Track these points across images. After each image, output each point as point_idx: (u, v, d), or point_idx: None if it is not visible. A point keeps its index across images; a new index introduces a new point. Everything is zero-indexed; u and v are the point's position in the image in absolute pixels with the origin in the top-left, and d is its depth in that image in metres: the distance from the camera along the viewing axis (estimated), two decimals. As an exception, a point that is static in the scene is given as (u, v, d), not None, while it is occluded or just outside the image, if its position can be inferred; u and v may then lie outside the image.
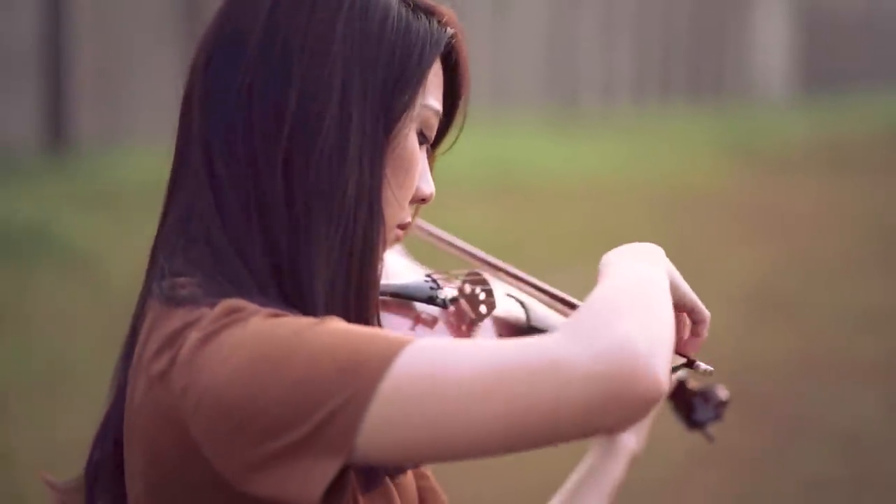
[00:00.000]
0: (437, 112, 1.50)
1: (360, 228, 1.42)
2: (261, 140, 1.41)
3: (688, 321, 1.50)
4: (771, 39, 19.28)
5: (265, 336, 1.30)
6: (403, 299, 1.57)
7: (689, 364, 1.44)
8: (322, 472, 1.27)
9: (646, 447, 1.88)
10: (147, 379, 1.36)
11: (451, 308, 1.61)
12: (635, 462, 1.83)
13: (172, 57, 9.38)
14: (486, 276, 1.64)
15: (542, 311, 1.71)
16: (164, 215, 1.48)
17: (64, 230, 7.13)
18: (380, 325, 1.46)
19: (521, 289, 1.65)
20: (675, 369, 1.39)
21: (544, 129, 12.87)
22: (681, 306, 1.47)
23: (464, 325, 1.60)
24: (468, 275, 1.64)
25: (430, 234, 1.72)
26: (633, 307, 1.29)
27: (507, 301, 1.69)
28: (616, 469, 1.79)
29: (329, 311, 1.40)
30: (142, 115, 9.23)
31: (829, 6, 21.40)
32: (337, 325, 1.31)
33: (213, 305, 1.35)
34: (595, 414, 1.24)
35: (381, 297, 1.53)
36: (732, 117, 15.83)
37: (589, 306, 1.30)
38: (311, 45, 1.41)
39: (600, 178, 11.34)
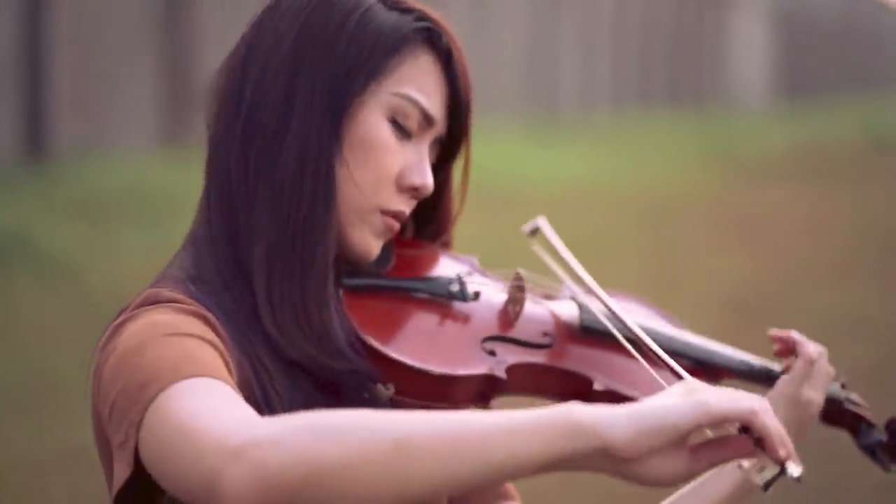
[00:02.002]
0: (413, 102, 1.53)
1: (305, 199, 1.48)
2: (224, 128, 1.51)
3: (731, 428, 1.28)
4: (750, 47, 19.33)
5: (133, 334, 1.38)
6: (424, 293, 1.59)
7: (783, 471, 1.27)
8: (119, 476, 1.34)
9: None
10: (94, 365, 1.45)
11: (485, 304, 1.61)
12: (750, 486, 1.64)
13: (151, 65, 9.36)
14: (522, 276, 1.65)
15: (596, 315, 1.68)
16: None
17: (43, 238, 7.11)
18: (328, 306, 1.48)
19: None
20: (769, 482, 1.26)
21: (524, 137, 12.87)
22: (689, 429, 1.25)
23: (500, 318, 1.61)
24: (514, 280, 1.65)
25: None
26: (306, 440, 1.21)
27: (566, 303, 1.70)
28: (720, 484, 1.65)
29: (272, 279, 1.46)
30: (120, 124, 9.21)
31: (807, 14, 21.46)
32: (177, 342, 1.36)
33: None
34: (201, 494, 1.24)
35: (415, 295, 1.57)
36: (712, 124, 15.86)
37: (300, 416, 1.24)
38: (269, 40, 1.51)
39: (580, 186, 11.35)
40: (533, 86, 14.59)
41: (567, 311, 1.68)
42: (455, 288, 1.59)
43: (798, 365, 1.70)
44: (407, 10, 1.54)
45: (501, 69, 13.81)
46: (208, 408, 1.28)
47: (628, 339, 1.61)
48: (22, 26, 8.53)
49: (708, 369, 1.74)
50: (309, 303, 1.47)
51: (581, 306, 1.68)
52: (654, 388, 1.47)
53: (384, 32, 1.51)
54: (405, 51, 1.53)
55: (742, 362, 1.76)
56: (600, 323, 1.65)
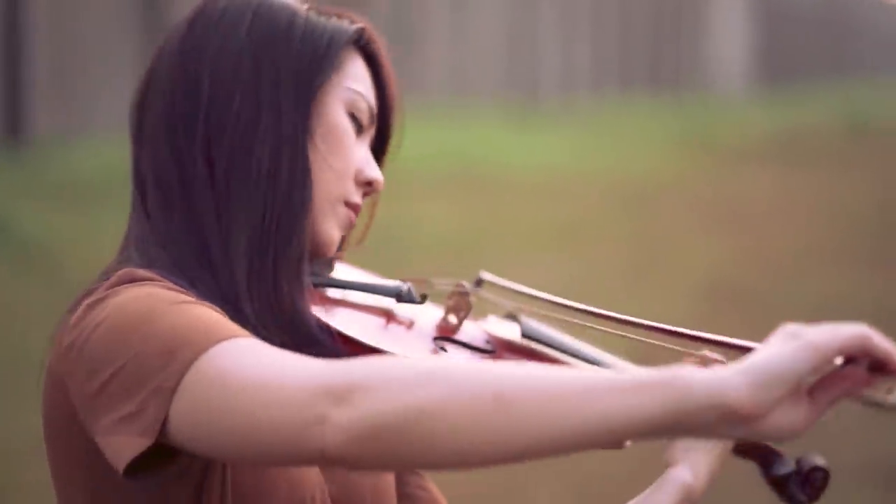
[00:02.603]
0: (363, 98, 1.56)
1: (282, 188, 1.48)
2: (182, 133, 1.49)
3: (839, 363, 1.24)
4: (729, 31, 19.35)
5: (129, 307, 1.35)
6: (371, 294, 1.61)
7: None
8: (130, 448, 1.30)
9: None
10: (51, 349, 1.43)
11: (428, 311, 1.64)
12: (692, 497, 1.66)
13: (130, 50, 9.33)
14: (466, 286, 1.67)
15: (535, 323, 1.70)
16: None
17: (21, 223, 7.08)
18: (303, 295, 1.48)
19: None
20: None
21: (503, 122, 12.87)
22: (808, 373, 1.22)
23: (422, 324, 1.62)
24: (451, 285, 1.67)
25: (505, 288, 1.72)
26: (413, 387, 1.18)
27: (499, 322, 1.71)
28: (664, 502, 1.64)
29: (251, 272, 1.45)
30: (99, 109, 9.18)
31: (786, 0, 21.49)
32: (192, 309, 1.35)
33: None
34: (297, 445, 1.22)
35: (347, 291, 1.59)
36: (692, 109, 15.88)
37: (396, 359, 1.24)
38: (216, 41, 1.51)
39: (560, 171, 11.35)
40: (513, 71, 14.58)
41: (506, 325, 1.71)
42: (405, 290, 1.61)
43: None
44: (337, 16, 1.58)
45: (481, 54, 13.79)
46: (274, 360, 1.26)
47: (566, 353, 1.63)
48: (0, 12, 8.50)
49: None
50: (287, 291, 1.47)
51: (520, 319, 1.69)
52: None
53: (330, 31, 1.54)
54: (350, 49, 1.57)
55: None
56: (541, 333, 1.66)
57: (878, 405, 1.26)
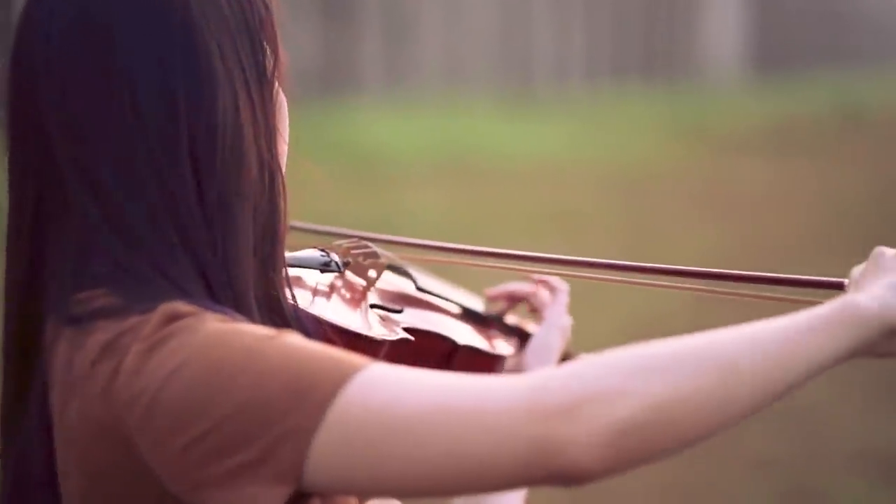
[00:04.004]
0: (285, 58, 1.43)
1: (265, 201, 1.36)
2: (161, 149, 1.32)
3: None
4: (723, 19, 19.34)
5: (216, 348, 1.24)
6: (298, 269, 1.55)
7: None
8: (271, 498, 1.22)
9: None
10: (84, 398, 1.29)
11: (346, 275, 1.60)
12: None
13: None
14: (367, 242, 1.64)
15: (433, 281, 1.74)
16: (34, 259, 1.37)
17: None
18: (292, 292, 1.42)
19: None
20: None
21: (497, 110, 12.86)
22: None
23: (357, 292, 1.58)
24: (349, 244, 1.63)
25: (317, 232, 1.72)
26: (643, 382, 1.19)
27: (393, 275, 1.71)
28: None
29: (250, 280, 1.36)
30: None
31: (780, -13, 21.48)
32: (291, 340, 1.25)
33: (145, 311, 1.28)
34: (520, 474, 1.19)
35: None
36: (685, 98, 15.88)
37: (594, 361, 1.21)
38: (176, 40, 1.33)
39: (554, 159, 11.35)
40: (506, 60, 14.57)
41: (396, 279, 1.71)
42: (327, 259, 1.58)
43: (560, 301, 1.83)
44: None
45: (475, 42, 13.78)
46: (441, 384, 1.20)
47: (449, 300, 1.72)
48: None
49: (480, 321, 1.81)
50: (276, 281, 1.40)
51: (412, 274, 1.72)
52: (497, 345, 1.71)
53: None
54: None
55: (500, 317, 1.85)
56: (438, 286, 1.71)
57: None
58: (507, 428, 1.18)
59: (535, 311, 1.84)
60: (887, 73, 18.30)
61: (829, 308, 1.28)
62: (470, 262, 1.71)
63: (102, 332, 1.29)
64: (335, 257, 1.60)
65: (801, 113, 14.96)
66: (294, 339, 1.25)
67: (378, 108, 12.23)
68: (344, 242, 1.64)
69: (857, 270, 1.40)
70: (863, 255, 1.42)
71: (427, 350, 1.62)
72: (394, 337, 1.51)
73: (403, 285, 1.71)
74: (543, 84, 15.10)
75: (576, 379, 1.19)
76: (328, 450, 1.20)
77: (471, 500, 1.75)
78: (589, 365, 1.20)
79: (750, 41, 20.41)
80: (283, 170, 1.39)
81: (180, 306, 1.28)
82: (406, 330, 1.56)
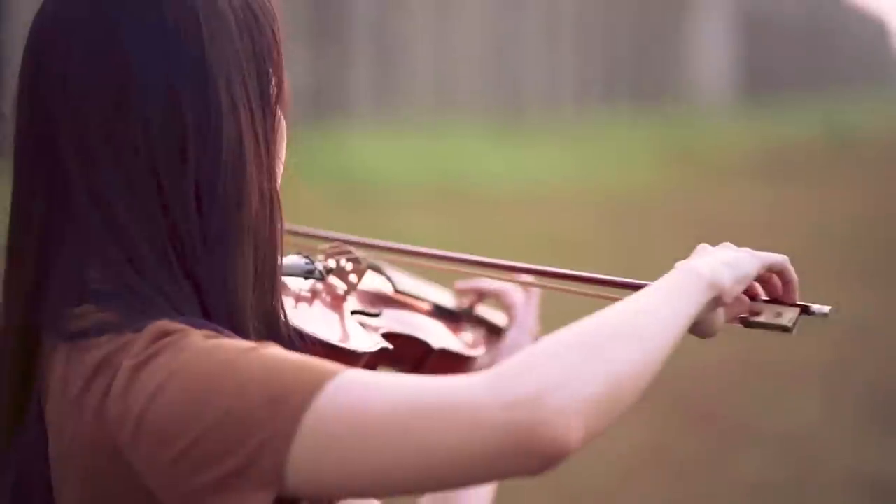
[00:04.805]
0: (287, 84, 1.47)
1: (265, 230, 1.41)
2: (168, 180, 1.36)
3: (776, 279, 1.52)
4: (712, 45, 19.41)
5: (199, 362, 1.28)
6: (283, 277, 1.55)
7: (805, 310, 1.48)
8: (251, 502, 1.26)
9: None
10: (80, 415, 1.32)
11: (328, 280, 1.63)
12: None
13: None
14: (348, 247, 1.67)
15: (408, 280, 1.77)
16: (36, 273, 1.40)
17: None
18: (283, 309, 1.45)
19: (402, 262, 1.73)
20: (784, 327, 1.45)
21: (487, 135, 12.89)
22: (755, 276, 1.49)
23: (338, 297, 1.62)
24: (331, 248, 1.67)
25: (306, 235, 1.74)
26: (581, 355, 1.27)
27: (372, 275, 1.74)
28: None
29: (249, 309, 1.40)
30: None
31: (769, 12, 21.57)
32: (271, 351, 1.29)
33: (138, 330, 1.32)
34: (499, 461, 1.24)
35: None
36: (675, 122, 15.92)
37: (536, 347, 1.28)
38: (187, 72, 1.36)
39: (543, 184, 11.36)
40: (496, 84, 14.60)
41: (375, 280, 1.74)
42: (311, 267, 1.61)
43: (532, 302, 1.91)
44: None
45: (465, 67, 13.81)
46: (412, 384, 1.26)
47: (424, 299, 1.76)
48: None
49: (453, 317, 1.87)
50: (276, 309, 1.44)
51: (390, 275, 1.75)
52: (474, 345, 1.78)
53: (268, 20, 1.43)
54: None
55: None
56: (413, 285, 1.75)
57: (767, 326, 1.48)
58: (474, 419, 1.23)
59: (506, 308, 1.90)
60: (875, 97, 18.36)
61: (677, 273, 1.42)
62: (447, 267, 1.76)
63: (97, 349, 1.32)
64: (318, 265, 1.63)
65: (790, 136, 15.00)
66: (272, 350, 1.30)
67: (368, 132, 12.26)
68: (326, 246, 1.67)
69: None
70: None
71: (403, 353, 1.67)
72: (374, 349, 1.54)
73: (382, 286, 1.74)
74: (533, 109, 15.13)
75: (533, 367, 1.25)
76: (307, 454, 1.25)
77: (438, 498, 1.81)
78: (539, 352, 1.27)
79: (739, 66, 20.48)
80: (279, 195, 1.42)
81: (168, 324, 1.32)
82: (384, 335, 1.60)
